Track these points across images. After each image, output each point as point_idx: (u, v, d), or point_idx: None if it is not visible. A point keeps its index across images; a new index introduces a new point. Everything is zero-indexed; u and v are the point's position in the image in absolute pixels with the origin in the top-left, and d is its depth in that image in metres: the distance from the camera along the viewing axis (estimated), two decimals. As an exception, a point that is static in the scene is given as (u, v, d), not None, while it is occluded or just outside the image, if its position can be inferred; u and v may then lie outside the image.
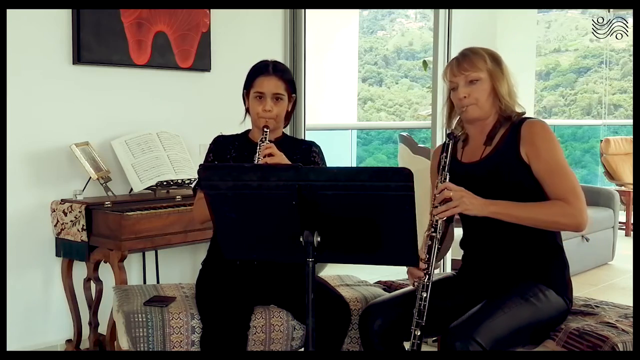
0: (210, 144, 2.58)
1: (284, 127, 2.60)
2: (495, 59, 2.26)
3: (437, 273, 3.09)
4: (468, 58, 2.24)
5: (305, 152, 2.54)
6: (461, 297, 2.22)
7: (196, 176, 3.20)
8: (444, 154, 2.20)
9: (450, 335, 1.96)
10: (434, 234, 2.13)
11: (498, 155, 2.21)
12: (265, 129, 2.42)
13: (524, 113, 2.26)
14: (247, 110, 2.55)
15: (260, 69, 2.48)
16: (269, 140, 2.39)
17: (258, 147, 2.36)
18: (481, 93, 2.21)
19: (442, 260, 3.75)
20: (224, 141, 2.57)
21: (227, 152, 2.53)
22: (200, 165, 1.87)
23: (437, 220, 2.12)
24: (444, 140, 2.28)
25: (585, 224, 2.12)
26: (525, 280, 2.16)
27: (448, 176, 2.16)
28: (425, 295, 2.09)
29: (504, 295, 2.09)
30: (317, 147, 2.59)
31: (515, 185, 2.16)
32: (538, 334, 2.15)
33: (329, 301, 2.29)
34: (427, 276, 2.10)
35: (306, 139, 4.31)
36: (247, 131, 2.61)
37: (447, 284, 2.32)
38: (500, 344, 1.99)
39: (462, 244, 2.37)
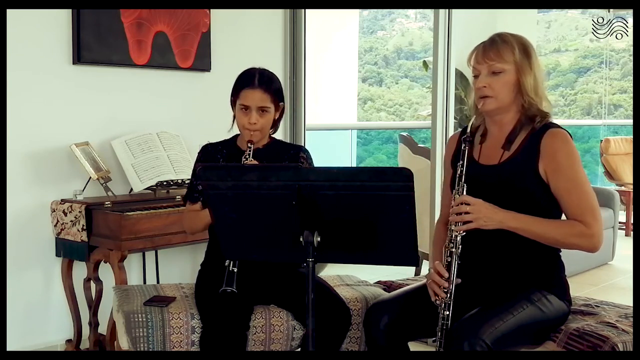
0: (198, 153, 2.57)
1: (273, 134, 2.58)
2: (526, 50, 2.13)
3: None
4: (496, 46, 2.11)
5: (293, 158, 2.52)
6: (461, 299, 2.20)
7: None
8: (461, 162, 2.10)
9: (456, 335, 1.95)
10: (453, 250, 2.06)
11: (515, 164, 2.12)
12: (249, 144, 2.41)
13: (548, 115, 2.15)
14: (235, 117, 2.52)
15: (246, 81, 2.43)
16: (254, 151, 2.39)
17: (242, 163, 2.36)
18: (502, 86, 2.10)
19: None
20: (212, 150, 2.55)
21: (215, 161, 2.52)
22: (200, 165, 1.88)
23: (455, 236, 2.05)
24: (461, 132, 2.18)
25: (600, 246, 2.07)
26: (528, 285, 2.14)
27: (465, 188, 2.07)
28: (447, 313, 2.03)
29: (512, 299, 2.07)
30: (306, 152, 2.57)
31: (529, 196, 2.10)
32: (541, 335, 2.15)
33: (329, 303, 2.29)
34: (449, 294, 2.04)
35: (306, 142, 4.34)
36: (235, 137, 2.59)
37: None
38: (505, 345, 1.99)
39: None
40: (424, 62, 7.44)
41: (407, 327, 2.14)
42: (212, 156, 2.53)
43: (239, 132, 2.56)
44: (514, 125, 2.16)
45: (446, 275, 2.05)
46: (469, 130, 2.16)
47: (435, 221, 2.51)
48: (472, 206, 2.03)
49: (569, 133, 2.14)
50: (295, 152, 2.54)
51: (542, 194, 2.11)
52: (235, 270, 2.25)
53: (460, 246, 2.07)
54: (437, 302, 2.07)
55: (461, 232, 2.06)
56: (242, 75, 2.48)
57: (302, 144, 4.31)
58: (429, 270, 2.14)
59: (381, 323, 2.14)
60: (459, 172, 2.10)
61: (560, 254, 2.23)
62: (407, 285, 2.66)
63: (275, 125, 2.54)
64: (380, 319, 2.14)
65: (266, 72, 2.48)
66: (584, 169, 2.14)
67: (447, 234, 2.10)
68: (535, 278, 2.16)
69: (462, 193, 2.08)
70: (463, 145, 2.12)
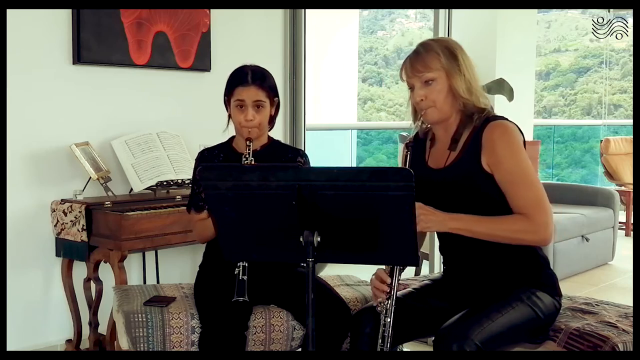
0: (195, 160, 2.55)
1: (269, 130, 2.57)
2: (452, 53, 2.11)
3: (427, 274, 3.07)
4: (421, 57, 2.11)
5: (290, 161, 2.51)
6: (452, 299, 2.19)
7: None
8: (405, 166, 2.09)
9: (445, 337, 1.94)
10: None
11: (462, 163, 2.11)
12: (248, 142, 2.39)
13: (485, 110, 2.13)
14: (230, 117, 2.51)
15: (239, 79, 2.42)
16: (253, 151, 2.39)
17: (242, 164, 2.35)
18: (438, 94, 2.10)
19: (432, 260, 3.74)
20: (208, 155, 2.53)
21: None
22: (201, 165, 1.87)
23: None
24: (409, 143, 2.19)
25: (550, 238, 2.04)
26: (516, 284, 2.12)
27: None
28: (389, 320, 2.01)
29: (500, 299, 2.06)
30: (304, 156, 2.56)
31: (482, 195, 2.09)
32: (535, 333, 2.15)
33: (329, 303, 2.29)
34: (390, 300, 2.02)
35: (306, 142, 4.33)
36: (231, 139, 2.57)
37: (436, 286, 2.29)
38: (497, 344, 1.98)
39: (441, 249, 2.31)
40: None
41: (393, 332, 2.13)
42: (209, 162, 2.51)
43: (234, 135, 2.55)
44: (457, 125, 2.16)
45: (388, 281, 2.04)
46: (412, 135, 2.16)
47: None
48: None
49: (516, 125, 2.12)
50: (294, 156, 2.53)
51: (490, 187, 2.08)
52: (246, 278, 2.24)
53: None
54: (379, 308, 2.06)
55: None
56: (235, 73, 2.46)
57: (302, 144, 4.31)
58: (372, 276, 2.14)
59: (368, 327, 2.12)
60: None
61: (539, 249, 2.20)
62: (406, 286, 2.66)
63: (272, 121, 2.53)
64: (367, 324, 2.13)
65: (258, 68, 2.47)
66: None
67: None
68: (521, 276, 2.14)
69: None
70: (405, 150, 2.12)
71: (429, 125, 2.23)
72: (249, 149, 2.38)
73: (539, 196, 2.03)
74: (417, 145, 2.24)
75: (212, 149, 2.56)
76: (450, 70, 2.10)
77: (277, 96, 2.50)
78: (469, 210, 2.06)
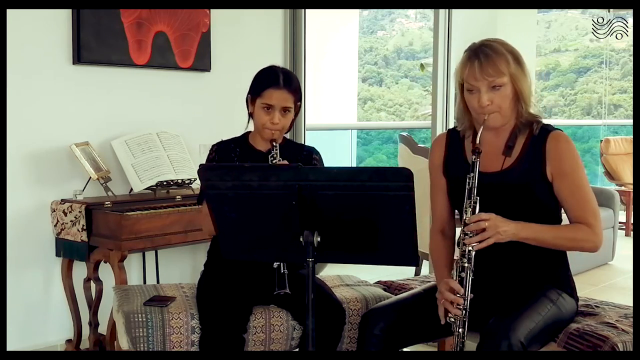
0: (211, 151, 2.51)
1: (286, 133, 2.56)
2: (517, 58, 2.10)
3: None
4: (491, 61, 2.06)
5: (306, 159, 2.53)
6: (472, 300, 2.19)
7: (196, 176, 3.19)
8: (472, 174, 2.04)
9: (492, 334, 1.93)
10: (466, 264, 2.01)
11: (521, 170, 2.11)
12: (274, 143, 2.39)
13: (539, 117, 2.15)
14: (250, 115, 2.49)
15: (271, 80, 2.38)
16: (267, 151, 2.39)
17: (270, 164, 2.34)
18: (504, 100, 2.08)
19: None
20: (225, 148, 2.51)
21: (230, 160, 2.48)
22: (200, 165, 1.87)
23: (469, 251, 2.01)
24: (448, 136, 2.18)
25: (601, 245, 2.10)
26: (541, 283, 2.15)
27: (479, 201, 2.02)
28: (462, 331, 2.00)
29: (532, 298, 2.08)
30: (318, 153, 2.58)
31: (534, 199, 2.11)
32: (556, 334, 2.17)
33: (323, 302, 2.28)
34: (465, 311, 2.01)
35: (306, 142, 4.33)
36: (246, 135, 2.56)
37: None
38: (535, 344, 2.01)
39: None
40: (421, 65, 7.44)
41: (402, 333, 2.14)
42: (227, 155, 2.49)
43: (248, 131, 2.55)
44: (511, 131, 2.16)
45: (461, 291, 2.02)
46: (477, 141, 2.08)
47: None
48: (489, 221, 2.00)
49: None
50: (308, 154, 2.55)
51: (545, 194, 2.12)
52: (286, 272, 2.23)
53: (473, 261, 2.03)
54: (451, 319, 2.03)
55: (477, 248, 2.01)
56: (265, 74, 2.43)
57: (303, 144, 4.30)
58: (440, 287, 2.09)
59: (376, 328, 2.12)
60: (469, 185, 2.04)
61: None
62: (407, 286, 2.66)
63: (291, 125, 2.52)
64: (376, 324, 2.13)
65: (288, 71, 2.47)
66: (584, 168, 2.16)
67: (459, 248, 2.06)
68: (547, 276, 2.17)
69: (476, 207, 2.02)
70: (474, 157, 2.06)
71: (463, 127, 2.21)
72: (276, 150, 2.37)
73: (595, 207, 2.11)
74: (458, 146, 2.22)
75: (229, 142, 2.53)
76: (517, 75, 2.09)
77: (301, 100, 2.48)
78: (519, 213, 2.07)
